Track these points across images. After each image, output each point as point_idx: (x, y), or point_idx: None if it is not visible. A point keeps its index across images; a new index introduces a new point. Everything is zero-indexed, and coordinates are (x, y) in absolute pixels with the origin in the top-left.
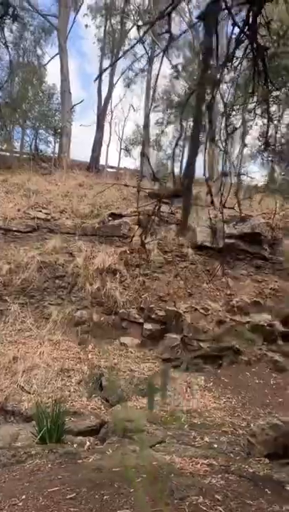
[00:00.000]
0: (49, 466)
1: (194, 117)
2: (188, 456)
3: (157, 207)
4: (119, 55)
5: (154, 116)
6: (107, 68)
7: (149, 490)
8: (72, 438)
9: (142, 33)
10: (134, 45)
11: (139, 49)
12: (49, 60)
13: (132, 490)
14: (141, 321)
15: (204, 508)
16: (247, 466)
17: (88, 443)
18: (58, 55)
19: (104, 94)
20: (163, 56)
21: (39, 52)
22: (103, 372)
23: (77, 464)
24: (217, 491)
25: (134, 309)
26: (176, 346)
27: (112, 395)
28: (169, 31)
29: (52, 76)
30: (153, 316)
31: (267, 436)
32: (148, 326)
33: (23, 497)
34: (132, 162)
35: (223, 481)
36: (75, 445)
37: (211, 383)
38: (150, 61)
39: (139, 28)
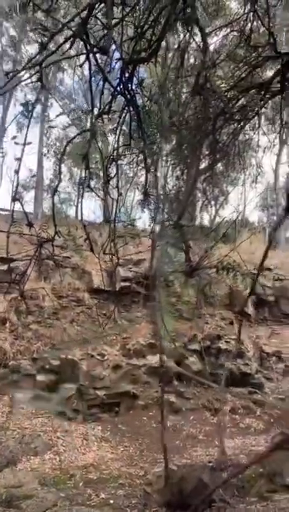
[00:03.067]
0: None
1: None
2: None
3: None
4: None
5: (47, 162)
6: None
7: None
8: None
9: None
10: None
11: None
12: None
13: None
14: (33, 372)
15: None
16: None
17: None
18: None
19: None
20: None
21: None
22: None
23: None
24: None
25: (26, 360)
26: (72, 396)
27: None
28: (41, 81)
29: None
30: (47, 366)
31: (159, 484)
32: (41, 377)
33: None
34: (25, 205)
35: None
36: None
37: (108, 432)
38: (44, 109)
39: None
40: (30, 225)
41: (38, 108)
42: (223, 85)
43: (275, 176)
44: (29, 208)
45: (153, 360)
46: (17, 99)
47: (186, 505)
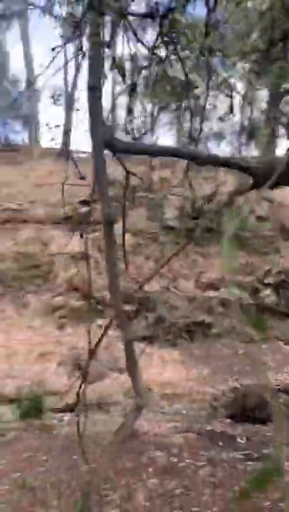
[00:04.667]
0: (26, 437)
1: None
2: (155, 421)
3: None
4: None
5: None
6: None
7: (112, 449)
8: (51, 414)
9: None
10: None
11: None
12: (11, 47)
13: (98, 449)
14: None
15: (159, 460)
16: (208, 426)
17: (66, 418)
18: (21, 40)
19: (71, 77)
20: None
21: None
22: (81, 353)
23: (51, 434)
24: (174, 446)
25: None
26: (151, 325)
27: (90, 373)
28: None
29: (16, 62)
30: (127, 297)
31: (228, 399)
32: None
33: (3, 461)
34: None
35: (182, 438)
36: (54, 420)
37: (184, 357)
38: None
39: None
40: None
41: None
42: None
43: None
44: None
45: (226, 292)
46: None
47: (249, 417)
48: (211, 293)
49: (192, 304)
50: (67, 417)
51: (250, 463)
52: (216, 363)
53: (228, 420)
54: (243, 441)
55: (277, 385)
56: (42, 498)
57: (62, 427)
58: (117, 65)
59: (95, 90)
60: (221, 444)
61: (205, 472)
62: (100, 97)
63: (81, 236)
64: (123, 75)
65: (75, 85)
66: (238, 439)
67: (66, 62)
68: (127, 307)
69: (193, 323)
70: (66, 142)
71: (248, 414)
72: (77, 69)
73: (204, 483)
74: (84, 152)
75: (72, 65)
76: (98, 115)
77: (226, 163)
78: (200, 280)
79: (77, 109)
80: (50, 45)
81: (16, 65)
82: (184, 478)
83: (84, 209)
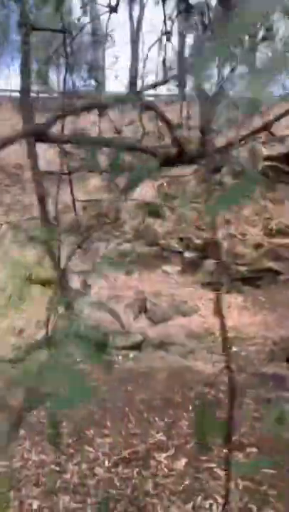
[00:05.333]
0: (89, 369)
1: None
2: (212, 362)
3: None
4: None
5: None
6: None
7: (164, 384)
8: (118, 352)
9: None
10: None
11: None
12: None
13: (151, 383)
14: (181, 250)
15: (208, 396)
16: (263, 368)
17: (131, 355)
18: None
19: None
20: None
21: None
22: (147, 297)
23: (114, 367)
24: (224, 384)
25: (173, 240)
26: (215, 271)
27: (155, 315)
28: None
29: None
30: (191, 244)
31: (286, 343)
32: (187, 254)
33: None
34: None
35: None
36: (119, 356)
37: (249, 303)
38: None
39: None
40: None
41: None
42: None
43: None
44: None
45: None
46: None
47: None
48: (279, 240)
49: (259, 250)
50: (132, 354)
51: None
52: (282, 309)
53: (285, 364)
54: None
55: None
56: (97, 419)
57: (125, 362)
58: None
59: None
60: (271, 384)
61: (250, 408)
62: None
63: None
64: None
65: None
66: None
67: None
68: (193, 254)
69: (260, 270)
70: (134, 86)
71: None
72: None
73: (247, 418)
74: (153, 96)
75: None
76: None
77: None
78: (267, 227)
79: None
80: None
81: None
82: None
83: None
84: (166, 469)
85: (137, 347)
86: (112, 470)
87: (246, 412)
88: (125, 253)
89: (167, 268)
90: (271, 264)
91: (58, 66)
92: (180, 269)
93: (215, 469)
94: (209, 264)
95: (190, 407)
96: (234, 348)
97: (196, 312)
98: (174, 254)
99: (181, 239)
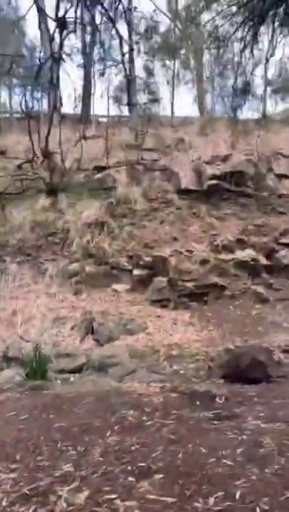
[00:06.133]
0: (17, 396)
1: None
2: (147, 382)
3: None
4: None
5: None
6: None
7: (88, 409)
8: (56, 375)
9: None
10: None
11: None
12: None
13: (74, 409)
14: (130, 268)
15: (130, 418)
16: (196, 386)
17: (72, 378)
18: (35, 5)
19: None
20: None
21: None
22: (95, 317)
23: (42, 393)
24: (150, 405)
25: (123, 258)
26: (164, 288)
27: (101, 336)
28: None
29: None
30: (141, 262)
31: (222, 360)
32: (137, 272)
33: None
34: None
35: (162, 398)
36: (58, 381)
37: (196, 318)
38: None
39: None
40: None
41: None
42: None
43: None
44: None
45: (241, 254)
46: None
47: (242, 377)
48: (225, 256)
49: (205, 266)
50: (74, 377)
51: (215, 422)
52: (227, 325)
53: (221, 380)
54: (220, 401)
55: (286, 346)
56: (8, 452)
57: (61, 386)
58: None
59: None
60: (198, 403)
61: (168, 429)
62: None
63: None
64: None
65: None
66: (217, 399)
67: None
68: (142, 271)
69: (206, 286)
70: (87, 107)
71: (241, 375)
72: None
73: (162, 440)
74: (105, 117)
75: None
76: None
77: None
78: (214, 243)
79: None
80: None
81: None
82: (145, 435)
83: (99, 175)
84: (65, 504)
85: (78, 370)
86: (8, 510)
87: (165, 435)
88: (74, 273)
89: (117, 287)
90: (217, 280)
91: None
92: (129, 287)
93: (115, 500)
94: (158, 281)
95: (108, 433)
96: (175, 366)
97: (143, 330)
98: (124, 273)
99: (130, 257)
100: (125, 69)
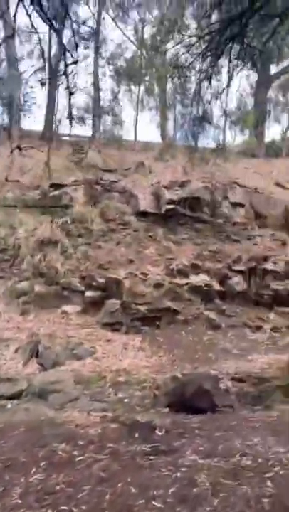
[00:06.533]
0: None
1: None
2: (88, 410)
3: None
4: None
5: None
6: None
7: (16, 441)
8: None
9: None
10: None
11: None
12: None
13: (1, 441)
14: (82, 289)
15: (60, 453)
16: (138, 417)
17: (9, 405)
18: None
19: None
20: None
21: None
22: (41, 339)
23: None
24: (85, 438)
25: (75, 278)
26: (116, 311)
27: (46, 360)
28: None
29: None
30: (94, 283)
31: (168, 388)
32: (89, 293)
33: None
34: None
35: (100, 430)
36: None
37: (147, 343)
38: (98, 24)
39: None
40: None
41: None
42: None
43: None
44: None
45: (196, 279)
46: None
47: (187, 407)
48: (179, 280)
49: (159, 290)
50: (11, 404)
51: (151, 457)
52: (178, 350)
53: (166, 409)
54: (160, 433)
55: (235, 374)
56: None
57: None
58: None
59: None
60: (136, 435)
61: (99, 466)
62: None
63: None
64: None
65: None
66: (157, 431)
67: None
68: (95, 293)
69: (159, 310)
70: (50, 124)
71: (187, 404)
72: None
73: (91, 478)
74: (69, 135)
75: None
76: None
77: None
78: (169, 267)
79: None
80: None
81: None
82: (74, 472)
83: (55, 192)
84: None
85: (17, 396)
86: None
87: (95, 472)
88: (22, 292)
89: (67, 308)
90: (170, 304)
91: None
92: (80, 309)
93: None
94: (111, 303)
95: (32, 470)
96: (120, 394)
97: (91, 355)
98: (75, 294)
99: (83, 278)
100: (68, 81)
